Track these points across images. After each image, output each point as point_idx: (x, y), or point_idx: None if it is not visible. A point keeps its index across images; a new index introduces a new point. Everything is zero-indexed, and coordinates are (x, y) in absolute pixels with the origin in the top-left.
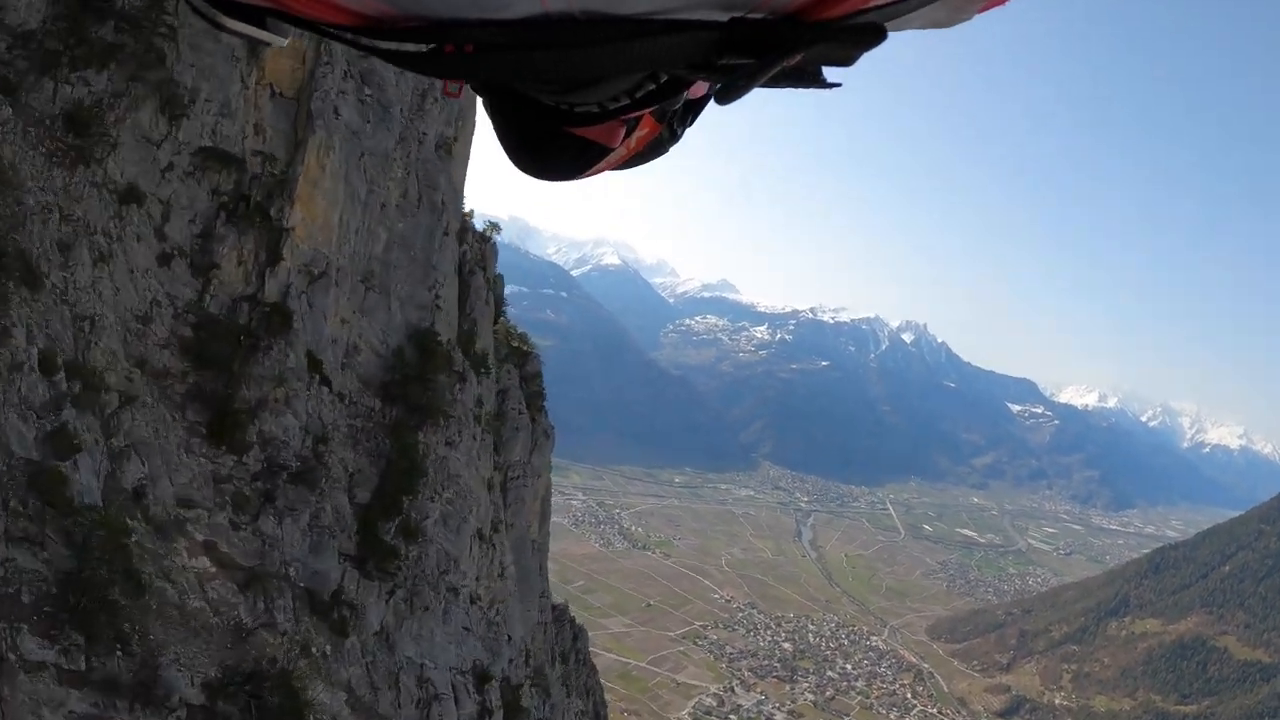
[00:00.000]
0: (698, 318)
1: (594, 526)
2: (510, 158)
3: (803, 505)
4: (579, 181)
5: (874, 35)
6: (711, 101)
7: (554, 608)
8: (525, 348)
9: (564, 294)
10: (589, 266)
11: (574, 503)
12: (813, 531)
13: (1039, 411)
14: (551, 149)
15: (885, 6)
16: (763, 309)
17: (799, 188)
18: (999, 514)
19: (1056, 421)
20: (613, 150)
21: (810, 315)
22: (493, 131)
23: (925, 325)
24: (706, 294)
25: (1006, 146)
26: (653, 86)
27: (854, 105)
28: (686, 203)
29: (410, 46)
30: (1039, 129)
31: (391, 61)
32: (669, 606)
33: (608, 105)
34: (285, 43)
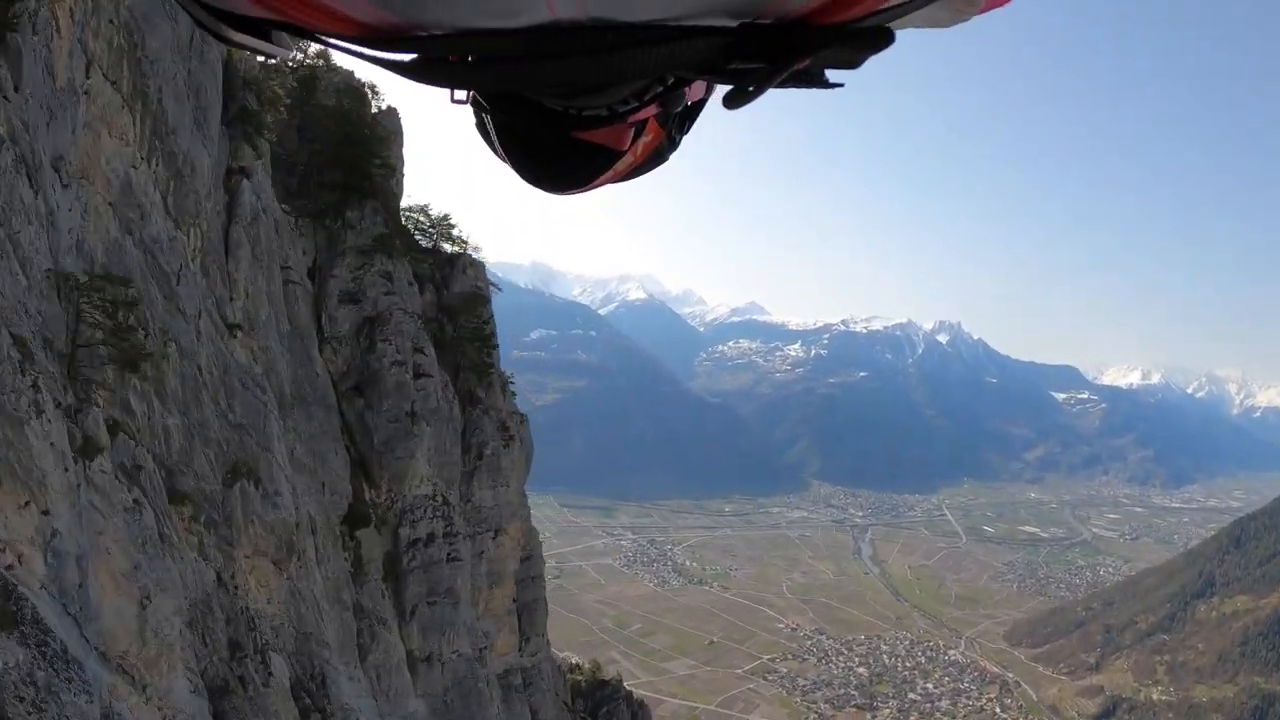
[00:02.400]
0: (730, 343)
1: (647, 565)
2: (517, 170)
3: (858, 520)
4: (588, 193)
5: (882, 39)
6: (712, 105)
7: (604, 683)
8: None
9: (593, 333)
10: (616, 304)
11: (623, 543)
12: (872, 546)
13: (1084, 397)
14: (561, 156)
15: (891, 9)
16: (794, 327)
17: (815, 201)
18: (1058, 506)
19: (1103, 405)
20: (622, 154)
21: (843, 327)
22: (489, 147)
23: (960, 324)
24: (736, 318)
25: (1018, 128)
26: (660, 88)
27: (860, 110)
28: (705, 230)
29: (415, 56)
30: (1052, 106)
31: (396, 71)
32: (733, 642)
33: (617, 108)
34: (290, 55)
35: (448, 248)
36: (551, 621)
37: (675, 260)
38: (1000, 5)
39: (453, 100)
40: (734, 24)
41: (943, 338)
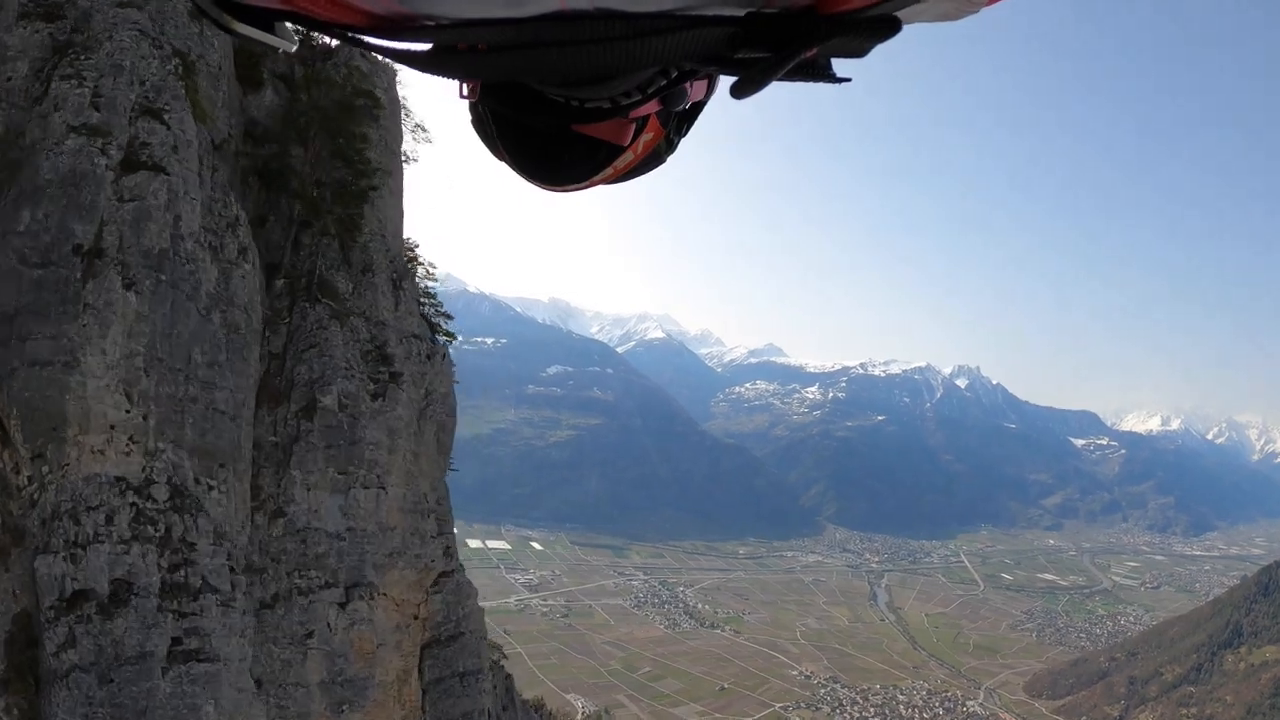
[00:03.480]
0: (747, 384)
1: (657, 607)
2: (515, 165)
3: (874, 566)
4: (583, 190)
5: (888, 27)
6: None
7: None
8: None
9: (610, 370)
10: (634, 342)
11: (634, 583)
12: (888, 593)
13: (1104, 443)
14: (561, 149)
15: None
16: (812, 369)
17: (834, 243)
18: (1078, 553)
19: (1123, 451)
20: (623, 150)
21: (861, 371)
22: (486, 144)
23: (978, 368)
24: (754, 359)
25: (1041, 171)
26: (663, 81)
27: (880, 152)
28: (724, 271)
29: (422, 46)
30: (1078, 148)
31: (403, 62)
32: (745, 689)
33: (619, 100)
34: (294, 47)
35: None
36: (559, 662)
37: (694, 301)
38: None
39: (460, 95)
40: (741, 13)
41: (961, 382)
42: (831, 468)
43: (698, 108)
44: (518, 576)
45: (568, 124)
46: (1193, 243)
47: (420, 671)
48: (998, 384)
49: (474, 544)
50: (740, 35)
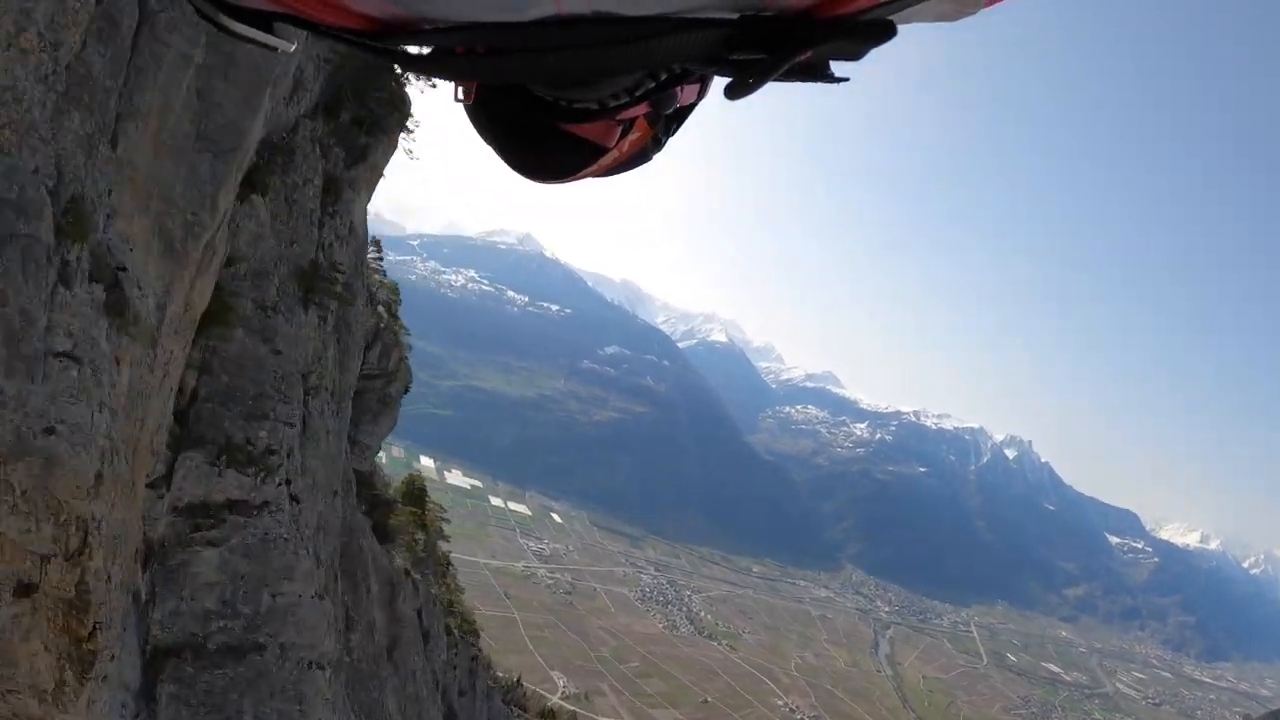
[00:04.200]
0: (798, 406)
1: (661, 605)
2: (502, 155)
3: (883, 615)
4: (569, 184)
5: (884, 32)
6: (706, 103)
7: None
8: None
9: (666, 363)
10: (695, 340)
11: (644, 577)
12: (891, 645)
13: (1139, 547)
14: (547, 146)
15: (895, 2)
16: (865, 405)
17: (913, 289)
18: (1087, 651)
19: (1156, 559)
20: (607, 151)
21: (913, 418)
22: (477, 131)
23: (1030, 443)
24: (810, 384)
25: (1131, 256)
26: (652, 84)
27: (975, 214)
28: (802, 290)
29: (420, 49)
30: (1166, 238)
31: (401, 64)
32: (728, 706)
33: (607, 102)
34: (292, 48)
35: None
36: (552, 636)
37: (764, 312)
38: None
39: (456, 99)
40: (735, 17)
41: (1010, 452)
42: (864, 508)
43: (688, 109)
44: (531, 543)
45: (554, 122)
46: (1273, 373)
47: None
48: (1045, 462)
49: (496, 502)
50: (736, 38)
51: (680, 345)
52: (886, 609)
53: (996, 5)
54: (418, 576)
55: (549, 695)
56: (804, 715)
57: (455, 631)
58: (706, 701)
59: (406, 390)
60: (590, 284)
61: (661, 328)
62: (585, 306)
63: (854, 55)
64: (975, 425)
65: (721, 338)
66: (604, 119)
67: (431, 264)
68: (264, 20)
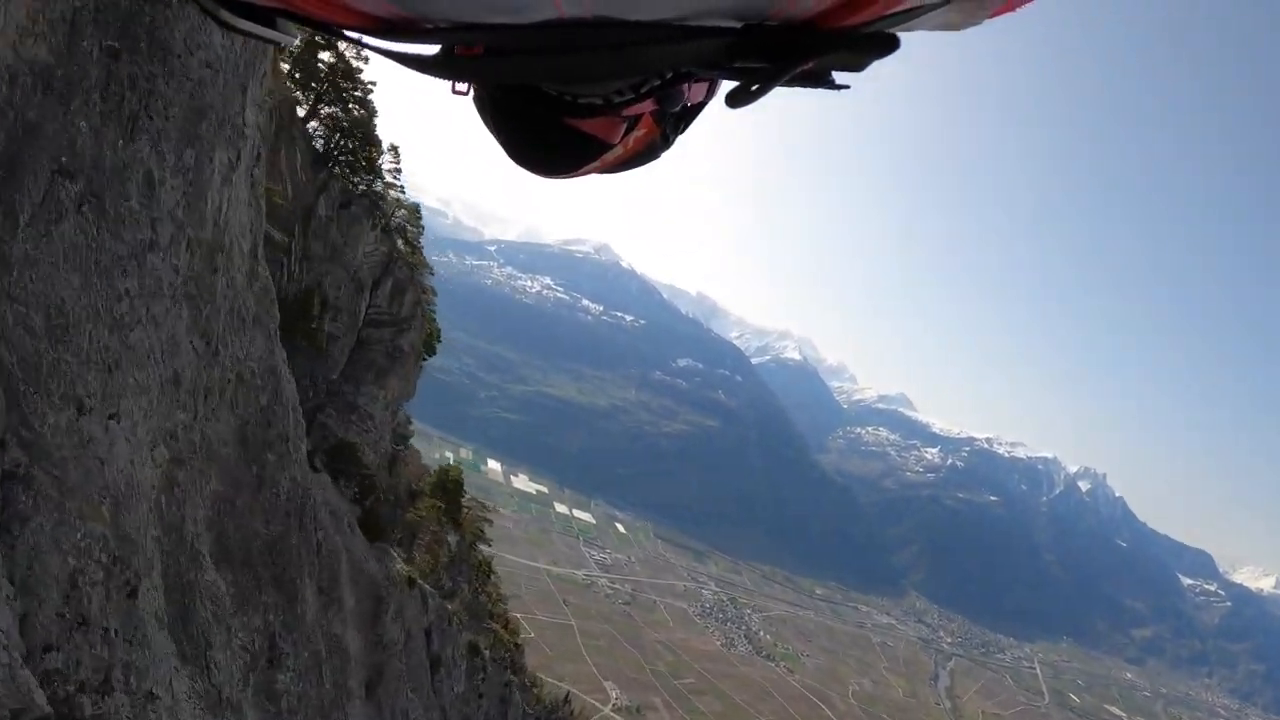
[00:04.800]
0: (869, 428)
1: (720, 622)
2: (506, 149)
3: (945, 646)
4: (573, 179)
5: (887, 45)
6: (719, 104)
7: None
8: None
9: (739, 378)
10: (768, 357)
11: (705, 592)
12: (951, 677)
13: (1211, 589)
14: (551, 141)
15: (899, 14)
16: (937, 430)
17: (991, 312)
18: (1152, 696)
19: (1228, 603)
20: (611, 147)
21: (985, 445)
22: (484, 122)
23: (1105, 476)
24: (882, 405)
25: (1222, 297)
26: (657, 82)
27: (1056, 237)
28: (875, 312)
29: (420, 49)
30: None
31: (401, 63)
32: None
33: (612, 98)
34: (295, 43)
35: None
36: (607, 646)
37: (839, 330)
38: (1012, 9)
39: (454, 91)
40: (739, 25)
41: (1084, 484)
42: (931, 534)
43: (697, 107)
44: (594, 552)
45: (559, 116)
46: None
47: None
48: (1119, 497)
49: (561, 509)
50: (739, 46)
51: (753, 361)
52: (949, 639)
53: (1001, 15)
54: (429, 587)
55: (601, 706)
56: None
57: (486, 652)
58: None
59: (430, 351)
60: (665, 296)
61: (735, 342)
62: (659, 318)
63: (857, 67)
64: (1049, 455)
65: (795, 355)
66: (609, 114)
67: (508, 270)
68: (266, 16)
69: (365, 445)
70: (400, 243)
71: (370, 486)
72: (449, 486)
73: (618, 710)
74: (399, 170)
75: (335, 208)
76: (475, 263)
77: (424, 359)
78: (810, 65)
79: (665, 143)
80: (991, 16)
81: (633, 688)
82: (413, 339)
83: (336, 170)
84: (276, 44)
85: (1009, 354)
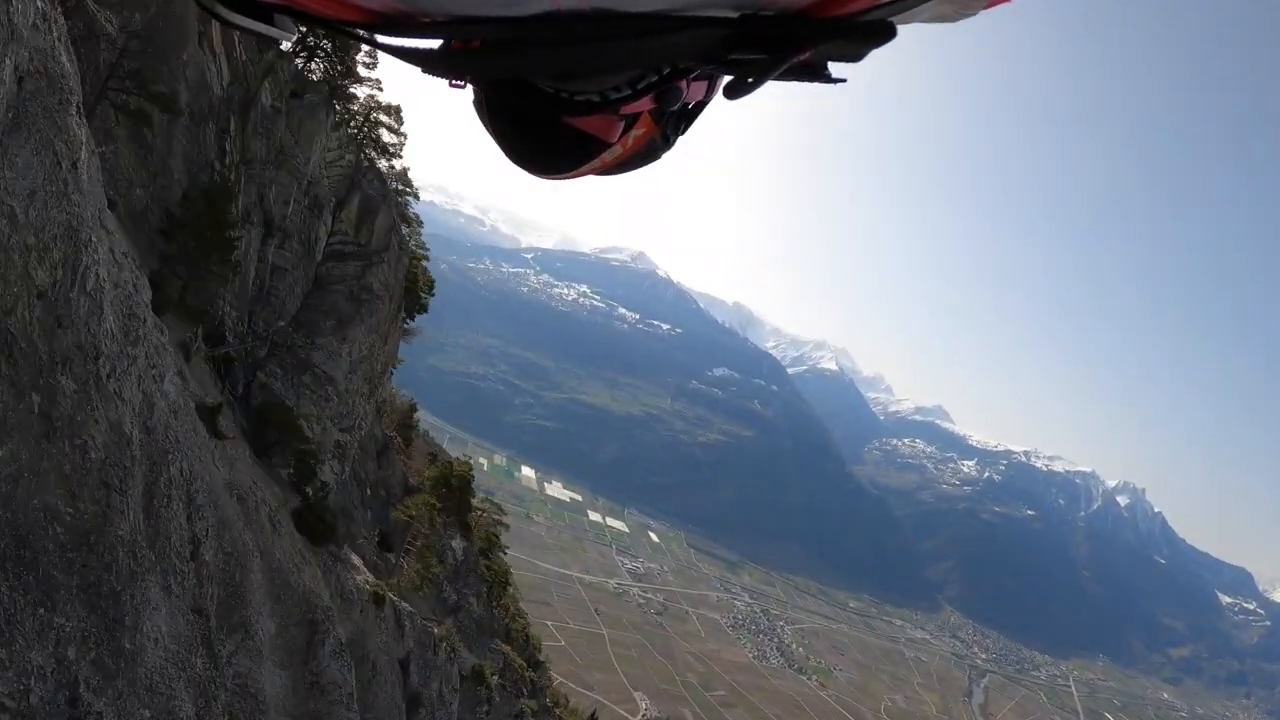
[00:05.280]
0: (906, 439)
1: (752, 634)
2: (504, 149)
3: (979, 662)
4: (571, 180)
5: (884, 33)
6: (719, 100)
7: None
8: None
9: (775, 388)
10: (804, 367)
11: (738, 603)
12: (985, 694)
13: (1251, 608)
14: (548, 140)
15: (894, 3)
16: (974, 442)
17: (1029, 325)
18: (1188, 716)
19: (1268, 622)
20: (609, 146)
21: (1023, 458)
22: (481, 123)
23: (1144, 491)
24: (919, 417)
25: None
26: (654, 78)
27: (1099, 249)
28: (915, 323)
29: (418, 43)
30: None
31: (399, 57)
32: None
33: (609, 94)
34: (292, 38)
35: None
36: (638, 656)
37: (876, 341)
38: (1005, 0)
39: (451, 85)
40: (735, 15)
41: (1122, 500)
42: (966, 549)
43: (698, 107)
44: (626, 561)
45: (556, 114)
46: None
47: None
48: (1158, 513)
49: (594, 517)
50: (735, 37)
51: (789, 371)
52: (983, 655)
53: (997, 6)
54: (409, 605)
55: (630, 717)
56: None
57: (493, 679)
58: None
59: (419, 307)
60: (702, 305)
61: (771, 352)
62: (696, 327)
63: (854, 56)
64: (1088, 469)
65: (831, 366)
66: (606, 112)
67: (545, 277)
68: (264, 12)
69: (323, 418)
70: (375, 155)
71: (309, 469)
72: (453, 483)
73: None
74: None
75: (284, 97)
76: (512, 270)
77: (407, 318)
78: (807, 56)
79: (665, 143)
80: (986, 8)
81: (662, 699)
82: (385, 277)
83: (288, 49)
84: (275, 39)
85: (1048, 366)
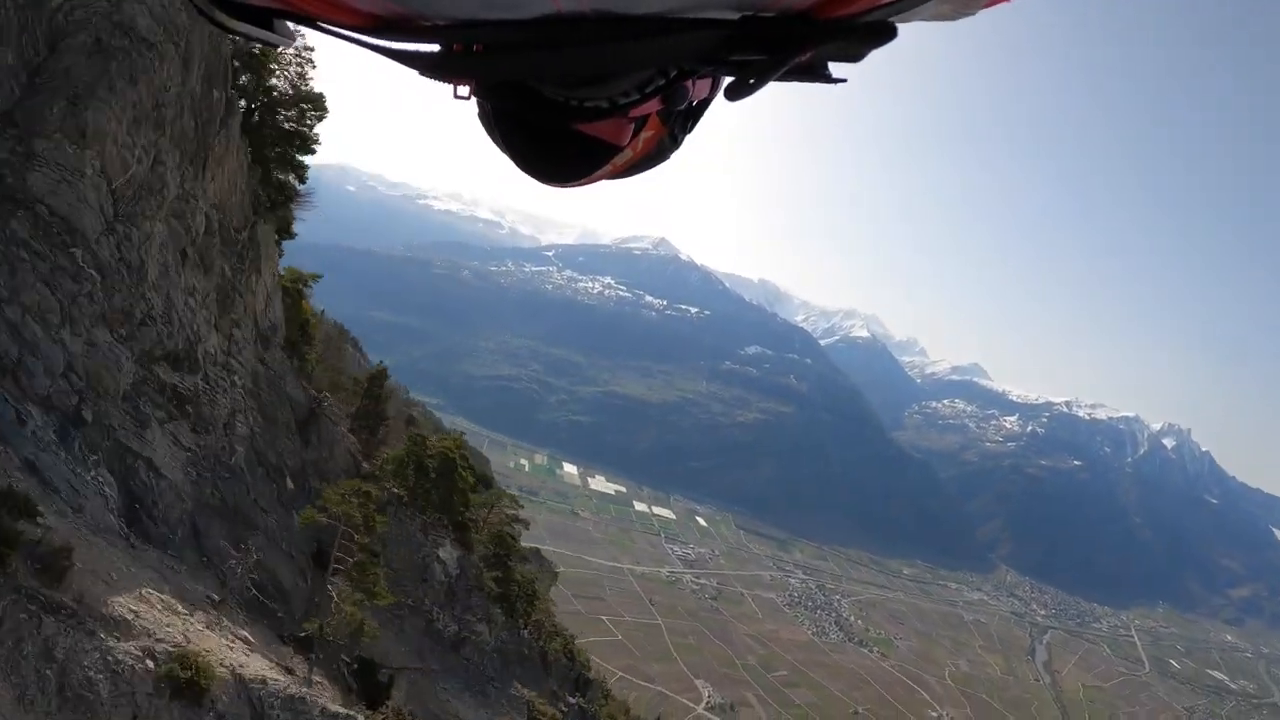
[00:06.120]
0: (945, 400)
1: (809, 611)
2: (515, 160)
3: (1039, 619)
4: (585, 187)
5: (884, 33)
6: (721, 99)
7: None
8: None
9: (808, 360)
10: (836, 337)
11: (792, 581)
12: (1048, 651)
13: None
14: (560, 148)
15: (894, 4)
16: (1014, 397)
17: (1056, 271)
18: (1254, 657)
19: None
20: (621, 150)
21: (1065, 409)
22: (489, 136)
23: (1189, 431)
24: (955, 377)
25: None
26: (662, 81)
27: (1117, 189)
28: (942, 282)
29: (419, 47)
30: None
31: (400, 61)
32: (879, 719)
33: (617, 100)
34: (293, 44)
35: None
36: (696, 643)
37: (905, 305)
38: (1005, 0)
39: (455, 95)
40: (736, 17)
41: (1168, 442)
42: (1015, 505)
43: (703, 105)
44: (676, 548)
45: (566, 122)
46: None
47: None
48: (1206, 451)
49: (640, 507)
50: (736, 38)
51: (822, 343)
52: (1042, 612)
53: (996, 6)
54: (301, 669)
55: (693, 706)
56: None
57: None
58: (857, 713)
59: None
60: (727, 285)
61: (802, 325)
62: (724, 308)
63: (854, 57)
64: (1130, 414)
65: (863, 333)
66: (615, 117)
67: (568, 273)
68: (263, 17)
69: (83, 324)
70: None
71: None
72: (429, 468)
73: (711, 709)
74: None
75: None
76: (534, 269)
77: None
78: (808, 57)
79: (673, 143)
80: (985, 7)
81: (725, 684)
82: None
83: None
84: (274, 45)
85: (1080, 313)
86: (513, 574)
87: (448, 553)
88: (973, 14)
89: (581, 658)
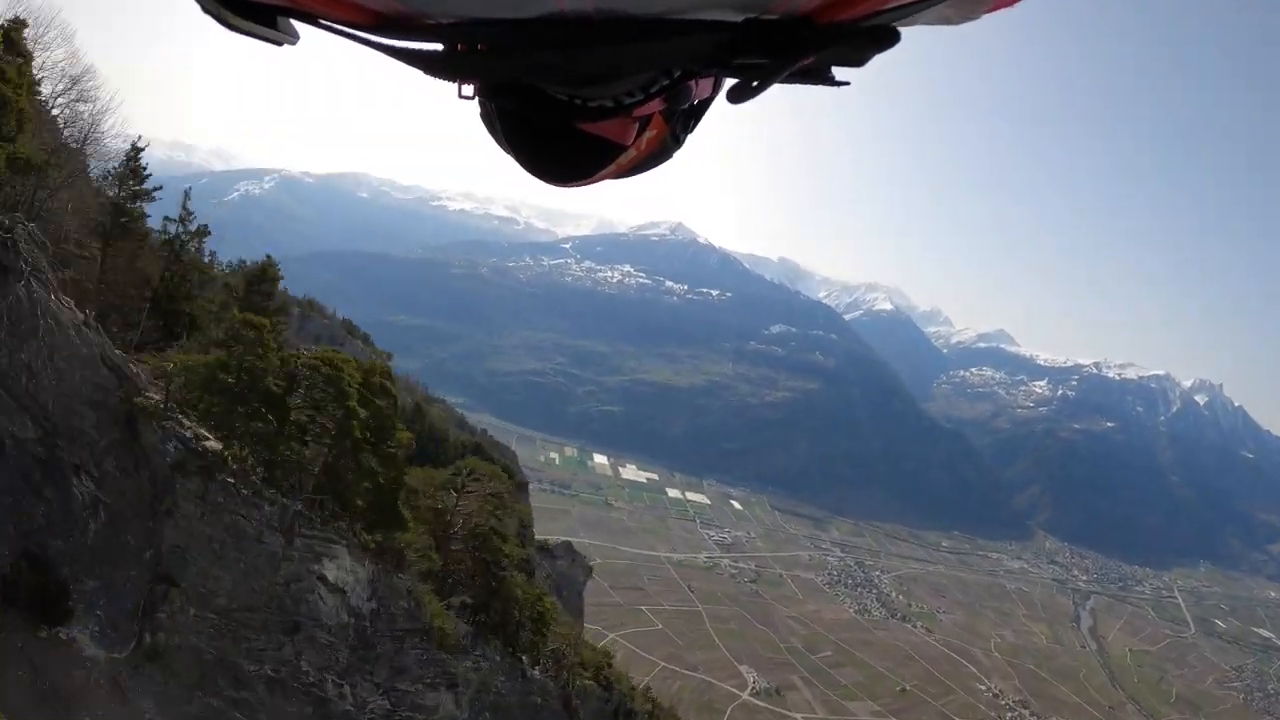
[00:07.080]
0: (973, 369)
1: (850, 589)
2: (520, 160)
3: (1081, 585)
4: (590, 186)
5: (887, 38)
6: (723, 100)
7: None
8: None
9: (834, 336)
10: (860, 311)
11: (830, 559)
12: (1093, 617)
13: None
14: (565, 147)
15: (897, 8)
16: (1043, 362)
17: (1077, 232)
18: None
19: None
20: (625, 149)
21: (1095, 370)
22: (493, 136)
23: (1221, 386)
24: (982, 344)
25: None
26: (666, 81)
27: (1135, 148)
28: (963, 249)
29: (422, 46)
30: None
31: (403, 60)
32: (927, 695)
33: (622, 99)
34: (296, 42)
35: None
36: (738, 628)
37: (926, 275)
38: (1010, 3)
39: (460, 95)
40: (739, 19)
41: (1200, 399)
42: (1050, 470)
43: (705, 104)
44: (712, 533)
45: (570, 121)
46: None
47: None
48: (1239, 406)
49: (674, 493)
50: (739, 41)
51: (846, 317)
52: (1084, 578)
53: (999, 10)
54: None
55: (739, 692)
56: (1009, 700)
57: None
58: (904, 690)
59: None
60: (748, 265)
61: (825, 301)
62: (745, 288)
63: (857, 61)
64: (1161, 372)
65: (887, 306)
66: (619, 116)
67: (586, 264)
68: (267, 15)
69: None
70: None
71: None
72: (263, 386)
73: (757, 694)
74: None
75: None
76: (553, 262)
77: None
78: (810, 60)
79: (676, 142)
80: (989, 11)
81: (769, 668)
82: None
83: None
84: (277, 43)
85: (1101, 272)
86: (507, 589)
87: (344, 569)
88: (975, 18)
89: (622, 684)
